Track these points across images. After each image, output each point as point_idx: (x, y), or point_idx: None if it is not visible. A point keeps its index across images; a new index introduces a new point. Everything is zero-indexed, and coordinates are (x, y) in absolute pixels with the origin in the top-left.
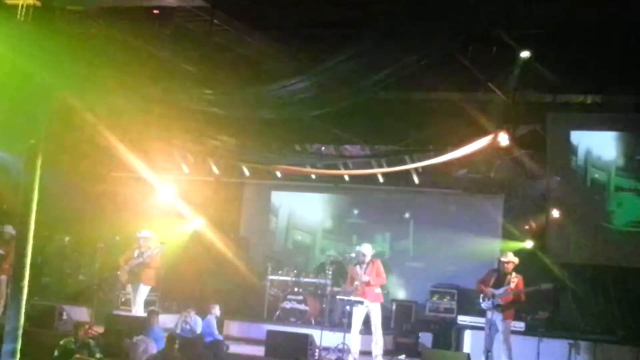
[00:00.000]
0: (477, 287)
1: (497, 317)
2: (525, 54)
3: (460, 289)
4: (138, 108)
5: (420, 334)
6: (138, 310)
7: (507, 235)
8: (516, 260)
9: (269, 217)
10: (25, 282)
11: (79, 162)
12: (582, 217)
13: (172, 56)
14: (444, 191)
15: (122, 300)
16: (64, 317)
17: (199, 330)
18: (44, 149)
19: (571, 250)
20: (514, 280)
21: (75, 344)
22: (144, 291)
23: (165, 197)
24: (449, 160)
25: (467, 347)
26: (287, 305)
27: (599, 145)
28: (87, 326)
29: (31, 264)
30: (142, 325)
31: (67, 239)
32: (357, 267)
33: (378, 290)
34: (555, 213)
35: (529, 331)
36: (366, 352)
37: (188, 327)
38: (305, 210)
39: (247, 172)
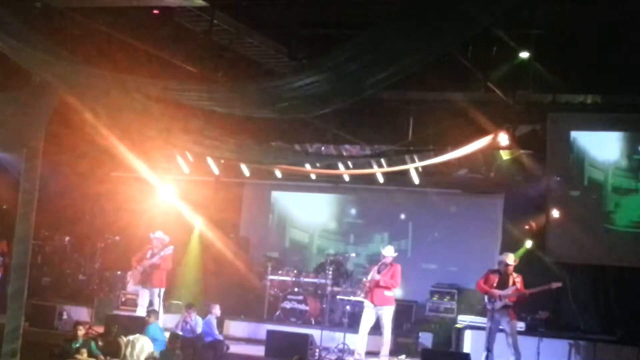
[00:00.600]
0: (481, 289)
1: (504, 318)
2: (525, 54)
3: (460, 289)
4: (138, 108)
5: (420, 334)
6: (160, 314)
7: (507, 235)
8: (517, 261)
9: (268, 217)
10: (26, 282)
11: (79, 162)
12: (581, 217)
13: (172, 56)
14: (444, 191)
15: (122, 300)
16: (64, 317)
17: (199, 330)
18: (44, 149)
19: (571, 250)
20: (517, 280)
21: (75, 344)
22: (161, 294)
23: (165, 197)
24: (449, 160)
25: (467, 347)
26: (287, 305)
27: (599, 145)
28: (87, 326)
29: (31, 264)
30: (141, 325)
31: (67, 239)
32: (375, 266)
33: (389, 293)
34: (555, 213)
35: (529, 331)
36: (368, 353)
37: (188, 327)
38: (302, 209)
39: (247, 172)
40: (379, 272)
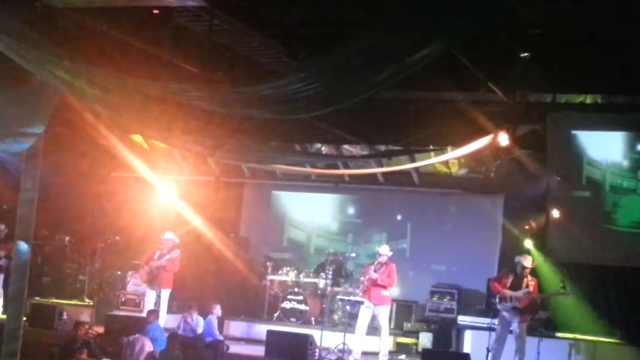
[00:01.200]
0: (494, 288)
1: (514, 320)
2: (525, 54)
3: (460, 289)
4: (138, 108)
5: (420, 334)
6: (162, 315)
7: (507, 235)
8: (534, 264)
9: (269, 217)
10: (26, 282)
11: (79, 162)
12: (582, 217)
13: (172, 56)
14: (444, 191)
15: (122, 300)
16: (64, 317)
17: (200, 330)
18: (44, 149)
19: (571, 250)
20: (531, 283)
21: (75, 344)
22: (165, 295)
23: (165, 197)
24: (449, 160)
25: (467, 347)
26: (287, 305)
27: (599, 145)
28: (87, 326)
29: (31, 264)
30: (141, 325)
31: (67, 239)
32: (372, 265)
33: (385, 292)
34: (555, 213)
35: (529, 331)
36: (367, 353)
37: (189, 327)
38: (300, 208)
39: (247, 172)
40: (375, 271)
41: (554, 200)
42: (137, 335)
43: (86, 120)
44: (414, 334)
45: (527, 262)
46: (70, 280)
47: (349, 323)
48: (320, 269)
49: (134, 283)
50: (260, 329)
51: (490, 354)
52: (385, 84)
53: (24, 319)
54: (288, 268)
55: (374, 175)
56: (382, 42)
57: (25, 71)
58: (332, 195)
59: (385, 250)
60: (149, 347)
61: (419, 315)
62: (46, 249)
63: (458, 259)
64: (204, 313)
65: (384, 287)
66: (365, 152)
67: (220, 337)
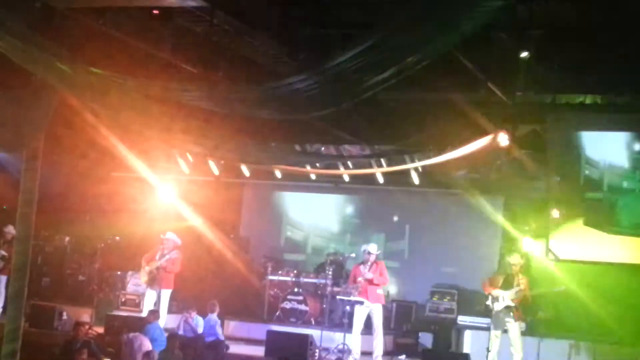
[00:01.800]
0: (483, 288)
1: (509, 319)
2: (525, 54)
3: (460, 290)
4: (138, 108)
5: (420, 334)
6: (162, 315)
7: (507, 236)
8: (522, 261)
9: (269, 217)
10: (26, 282)
11: (79, 162)
12: (582, 217)
13: (172, 56)
14: (444, 191)
15: (122, 300)
16: (64, 317)
17: (200, 330)
18: (44, 149)
19: (571, 250)
20: (522, 281)
21: (75, 344)
22: (165, 295)
23: (165, 197)
24: (449, 160)
25: (467, 348)
26: (287, 305)
27: (599, 145)
28: (87, 326)
29: (31, 264)
30: (141, 325)
31: (67, 239)
32: (362, 265)
33: (380, 291)
34: (555, 213)
35: (529, 331)
36: (366, 353)
37: (189, 327)
38: (299, 208)
39: (247, 172)
40: (368, 271)
41: (554, 200)
42: (136, 333)
43: (86, 120)
44: (414, 334)
45: (513, 259)
46: (70, 281)
47: (348, 323)
48: (320, 269)
49: (134, 283)
50: (260, 329)
51: (489, 354)
52: (384, 84)
53: (24, 319)
54: (288, 268)
55: (373, 175)
56: (381, 43)
57: (25, 71)
58: (331, 196)
59: (374, 249)
60: (147, 346)
61: (419, 316)
62: (46, 249)
63: (458, 259)
64: (204, 313)
65: (378, 285)
66: (365, 152)
67: (221, 337)
